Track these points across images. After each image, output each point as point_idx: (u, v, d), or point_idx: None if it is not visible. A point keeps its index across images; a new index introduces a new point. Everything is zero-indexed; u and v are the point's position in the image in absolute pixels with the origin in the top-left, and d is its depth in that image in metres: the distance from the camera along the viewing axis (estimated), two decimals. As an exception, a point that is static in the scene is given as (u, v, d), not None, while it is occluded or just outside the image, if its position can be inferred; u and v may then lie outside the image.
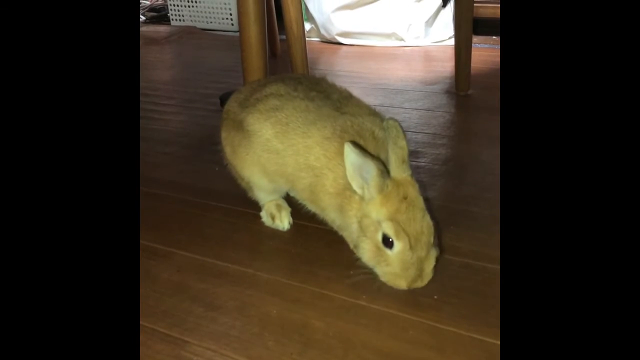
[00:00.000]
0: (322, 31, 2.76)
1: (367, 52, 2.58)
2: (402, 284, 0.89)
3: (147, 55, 2.73)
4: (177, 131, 1.74)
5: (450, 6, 2.55)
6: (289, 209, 1.15)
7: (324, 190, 0.96)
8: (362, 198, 0.90)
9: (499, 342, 0.81)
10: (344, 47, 2.70)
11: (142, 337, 0.85)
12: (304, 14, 2.46)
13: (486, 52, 2.42)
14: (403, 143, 0.88)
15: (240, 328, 0.87)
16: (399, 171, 0.88)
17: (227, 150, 1.14)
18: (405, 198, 0.87)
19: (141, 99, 2.01)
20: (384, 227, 0.87)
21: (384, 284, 0.91)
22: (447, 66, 2.24)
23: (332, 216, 1.00)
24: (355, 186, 0.90)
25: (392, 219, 0.86)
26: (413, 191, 0.88)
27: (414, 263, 0.87)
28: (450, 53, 1.89)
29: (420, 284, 0.89)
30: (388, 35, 2.64)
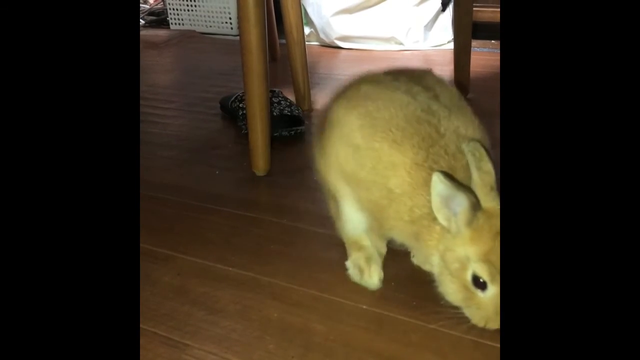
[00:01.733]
0: (322, 35, 2.76)
1: (367, 56, 2.59)
2: (495, 326, 0.80)
3: (147, 59, 2.74)
4: (177, 135, 1.74)
5: (449, 10, 2.55)
6: (380, 261, 0.99)
7: (397, 216, 0.84)
8: (444, 230, 0.81)
9: (498, 345, 0.81)
10: (343, 51, 2.71)
11: (143, 341, 0.85)
12: (304, 18, 2.47)
13: (485, 56, 2.43)
14: (489, 167, 0.79)
15: (241, 331, 0.87)
16: (488, 200, 0.79)
17: (315, 155, 1.00)
18: (497, 234, 0.77)
19: (141, 102, 2.01)
20: (476, 268, 0.78)
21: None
22: (446, 70, 2.24)
23: (397, 234, 0.89)
24: (441, 218, 0.79)
25: (486, 260, 0.77)
26: None
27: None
28: (450, 57, 1.90)
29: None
30: (387, 40, 2.64)
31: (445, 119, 0.85)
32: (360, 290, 0.95)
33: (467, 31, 1.81)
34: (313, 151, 1.01)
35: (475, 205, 0.77)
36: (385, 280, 0.96)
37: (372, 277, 0.95)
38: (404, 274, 0.98)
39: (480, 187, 0.79)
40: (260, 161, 1.37)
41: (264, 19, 1.29)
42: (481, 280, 0.78)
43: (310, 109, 1.84)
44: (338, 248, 1.03)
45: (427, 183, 0.80)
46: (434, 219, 0.81)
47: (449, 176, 0.78)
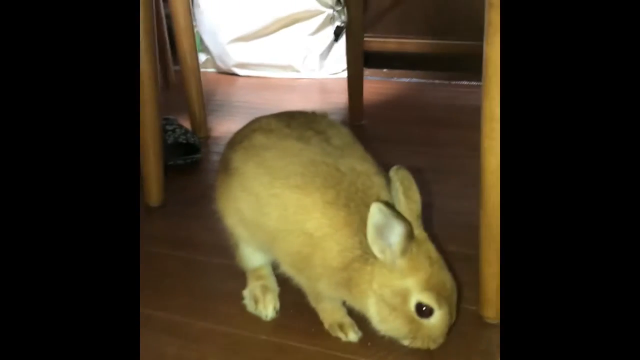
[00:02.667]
0: (218, 62, 2.75)
1: (264, 84, 2.61)
2: (440, 342, 0.82)
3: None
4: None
5: (343, 40, 2.65)
6: (277, 292, 0.98)
7: (324, 264, 0.82)
8: (376, 266, 0.80)
9: (396, 366, 0.83)
10: (240, 78, 2.71)
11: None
12: (199, 45, 2.45)
13: (377, 84, 2.53)
14: (417, 196, 0.81)
15: (133, 373, 0.82)
16: (416, 227, 0.80)
17: (216, 194, 0.99)
18: (430, 258, 0.79)
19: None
20: (421, 298, 0.78)
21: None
22: (341, 97, 2.31)
23: (321, 288, 0.87)
24: (376, 251, 0.78)
25: (429, 287, 0.78)
26: (433, 248, 0.81)
27: (448, 324, 0.81)
28: (345, 85, 1.96)
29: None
30: (284, 67, 2.68)
31: (341, 158, 0.86)
32: (259, 320, 0.93)
33: (359, 60, 1.88)
34: (216, 192, 0.99)
35: (411, 234, 0.78)
36: (284, 308, 0.95)
37: (267, 308, 0.94)
38: (303, 301, 0.98)
39: (408, 216, 0.79)
40: (154, 191, 1.33)
41: (154, 46, 1.27)
42: (425, 309, 0.79)
43: (207, 136, 1.82)
44: (237, 278, 1.02)
45: (347, 223, 0.81)
46: (365, 260, 0.80)
47: (388, 205, 0.77)
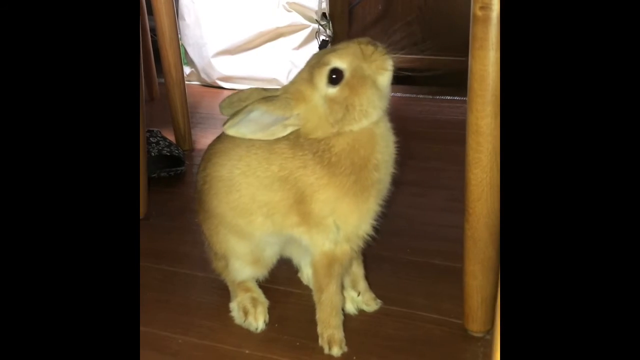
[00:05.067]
0: (203, 75, 2.75)
1: (249, 97, 2.61)
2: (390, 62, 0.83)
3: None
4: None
5: (328, 54, 2.66)
6: (266, 304, 0.97)
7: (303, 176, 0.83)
8: (294, 141, 0.84)
9: (381, 380, 0.83)
10: (225, 92, 2.70)
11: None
12: (184, 58, 2.44)
13: (362, 98, 2.55)
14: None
15: (114, 389, 0.80)
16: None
17: (199, 216, 0.99)
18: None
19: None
20: (327, 66, 0.80)
21: None
22: (326, 111, 2.33)
23: (326, 215, 0.84)
24: (280, 132, 0.82)
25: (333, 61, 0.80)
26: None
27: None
28: (329, 99, 1.97)
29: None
30: (269, 81, 2.68)
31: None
32: (243, 334, 0.92)
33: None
34: (199, 220, 0.99)
35: (269, 99, 0.81)
36: (269, 322, 0.94)
37: (258, 320, 0.93)
38: (287, 314, 0.97)
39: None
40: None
41: (139, 59, 1.26)
42: (335, 76, 0.80)
43: (191, 149, 1.81)
44: (220, 292, 1.01)
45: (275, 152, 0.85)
46: (285, 156, 0.84)
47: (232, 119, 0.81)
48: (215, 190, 0.91)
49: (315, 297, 0.89)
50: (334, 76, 0.80)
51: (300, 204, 0.84)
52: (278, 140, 0.84)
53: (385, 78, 0.82)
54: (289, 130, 0.83)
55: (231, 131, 0.81)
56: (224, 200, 0.90)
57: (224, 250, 0.96)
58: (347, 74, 0.80)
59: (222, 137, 0.94)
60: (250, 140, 0.85)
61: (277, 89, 0.86)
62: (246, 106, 0.80)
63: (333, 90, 0.80)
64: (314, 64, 0.82)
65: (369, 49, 0.81)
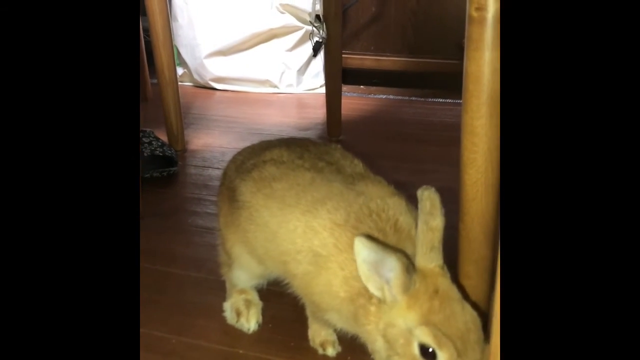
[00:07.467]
0: (196, 76, 2.74)
1: (242, 98, 2.60)
2: None
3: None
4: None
5: (321, 56, 2.67)
6: (260, 306, 0.96)
7: (329, 290, 0.76)
8: (380, 303, 0.71)
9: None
10: (218, 92, 2.70)
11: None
12: (176, 59, 2.44)
13: (355, 100, 2.55)
14: (436, 223, 0.70)
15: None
16: (425, 260, 0.71)
17: (219, 217, 0.97)
18: (436, 292, 0.69)
19: None
20: (418, 335, 0.68)
21: None
22: (319, 113, 2.32)
23: (335, 317, 0.79)
24: (372, 288, 0.70)
25: (427, 322, 0.68)
26: (444, 281, 0.71)
27: None
28: (322, 100, 1.97)
29: None
30: (262, 82, 2.68)
31: (352, 183, 0.83)
32: (237, 334, 0.92)
33: (337, 77, 1.89)
34: (220, 219, 0.97)
35: (409, 268, 0.69)
36: (263, 322, 0.94)
37: (250, 321, 0.93)
38: (282, 314, 0.97)
39: (422, 245, 0.71)
40: (130, 204, 1.30)
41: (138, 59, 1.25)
42: (429, 349, 0.68)
43: (184, 149, 1.80)
44: (214, 291, 1.00)
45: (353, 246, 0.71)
46: (370, 297, 0.72)
47: (373, 239, 0.69)
48: (258, 222, 0.85)
49: (308, 312, 0.90)
50: (431, 350, 0.68)
51: (312, 285, 0.79)
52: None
53: None
54: (376, 294, 0.71)
55: (361, 242, 0.69)
56: (261, 235, 0.85)
57: (234, 260, 0.94)
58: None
59: (281, 167, 0.87)
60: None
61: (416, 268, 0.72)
62: (395, 253, 0.68)
63: (413, 354, 0.69)
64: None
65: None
